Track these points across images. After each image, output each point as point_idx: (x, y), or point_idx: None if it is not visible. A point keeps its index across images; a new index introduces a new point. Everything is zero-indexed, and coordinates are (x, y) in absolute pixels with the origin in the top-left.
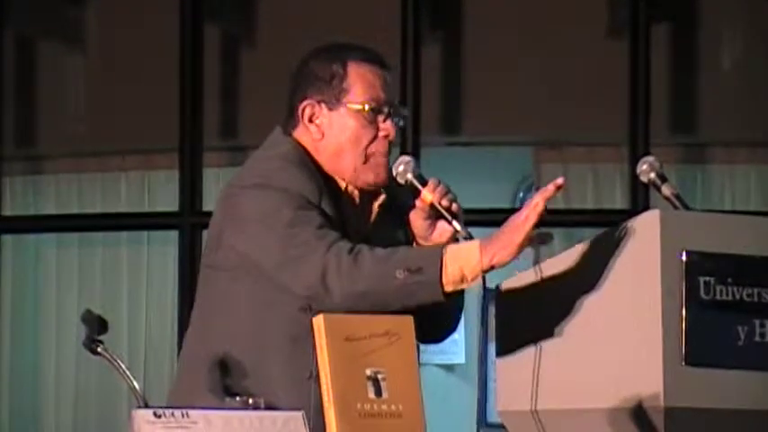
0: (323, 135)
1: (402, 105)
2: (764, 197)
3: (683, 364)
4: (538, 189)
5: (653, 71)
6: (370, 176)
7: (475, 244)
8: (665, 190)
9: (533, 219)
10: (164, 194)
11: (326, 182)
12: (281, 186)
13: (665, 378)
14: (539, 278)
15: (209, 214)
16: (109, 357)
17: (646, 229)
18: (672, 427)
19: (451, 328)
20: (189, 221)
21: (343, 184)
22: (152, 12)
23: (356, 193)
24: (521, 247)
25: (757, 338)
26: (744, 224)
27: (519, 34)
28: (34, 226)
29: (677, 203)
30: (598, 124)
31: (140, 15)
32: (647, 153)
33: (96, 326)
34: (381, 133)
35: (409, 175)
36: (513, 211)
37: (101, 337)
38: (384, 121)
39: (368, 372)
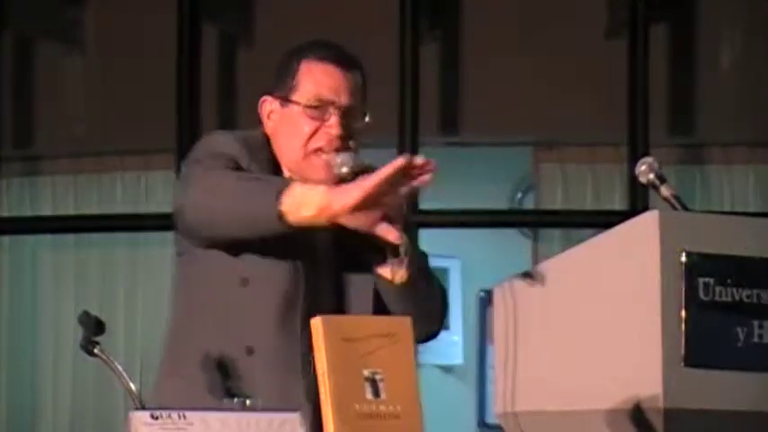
0: (275, 130)
1: (353, 111)
2: (763, 198)
3: (683, 365)
4: (536, 190)
5: (652, 71)
6: (310, 173)
7: (325, 187)
8: (664, 191)
9: (384, 174)
10: (161, 196)
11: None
12: (215, 152)
13: (665, 379)
14: (537, 279)
15: None
16: (105, 359)
17: (645, 230)
18: (671, 429)
19: (433, 331)
20: None
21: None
22: (149, 12)
23: None
24: (361, 199)
25: (756, 339)
26: (743, 225)
27: (518, 34)
28: (31, 227)
29: (676, 204)
30: (597, 124)
31: (138, 16)
32: (646, 154)
33: (93, 327)
34: (323, 129)
35: (345, 169)
36: (511, 212)
37: (97, 339)
38: (330, 118)
39: (366, 372)
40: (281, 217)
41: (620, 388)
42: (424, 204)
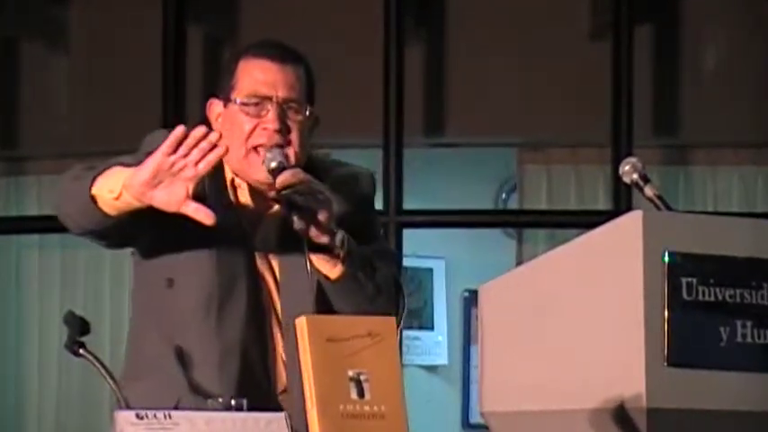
0: (222, 131)
1: (293, 104)
2: (746, 198)
3: (666, 364)
4: (520, 190)
5: (635, 73)
6: (251, 172)
7: (134, 168)
8: (648, 191)
9: (167, 144)
10: None
11: (217, 174)
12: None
13: (648, 379)
14: (521, 279)
15: None
16: (91, 359)
17: (628, 230)
18: (654, 428)
19: None
20: None
21: (230, 178)
22: (135, 12)
23: (244, 187)
24: (153, 171)
25: (739, 339)
26: (726, 225)
27: (502, 35)
28: (16, 227)
29: (660, 204)
30: (581, 126)
31: (124, 16)
32: (629, 154)
33: (78, 327)
34: (261, 125)
35: (273, 164)
36: (496, 212)
37: (83, 339)
38: (267, 114)
39: (350, 373)
40: (94, 200)
41: (603, 387)
42: (409, 204)
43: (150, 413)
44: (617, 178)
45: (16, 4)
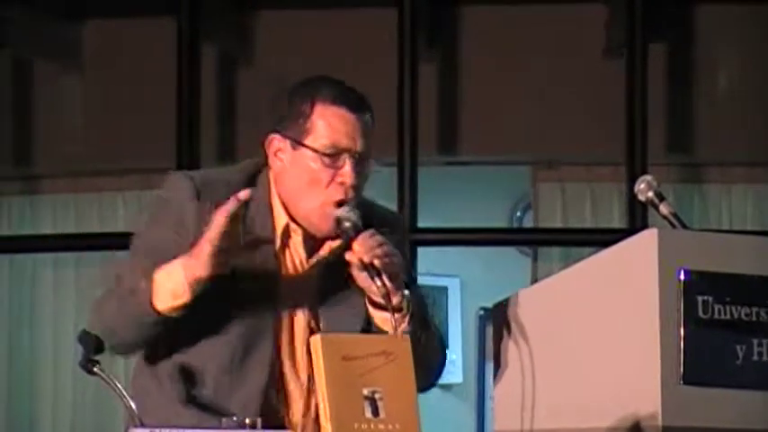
0: (284, 170)
1: (365, 156)
2: (761, 217)
3: (681, 383)
4: (535, 208)
5: (650, 91)
6: (319, 223)
7: (179, 262)
8: (663, 209)
9: (219, 225)
10: None
11: (267, 215)
12: (149, 244)
13: (663, 397)
14: (536, 298)
15: None
16: (105, 377)
17: (643, 248)
18: None
19: (428, 386)
20: None
21: (284, 223)
22: (149, 31)
23: (299, 234)
24: (212, 253)
25: (755, 358)
26: (741, 243)
27: (516, 53)
28: (31, 246)
29: (675, 222)
30: (596, 143)
31: (138, 36)
32: (644, 172)
33: (92, 346)
34: (338, 179)
35: (346, 224)
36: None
37: (97, 357)
38: (343, 167)
39: (365, 391)
40: (161, 314)
41: (618, 406)
42: (423, 222)
43: (165, 431)
44: (632, 196)
45: (30, 24)
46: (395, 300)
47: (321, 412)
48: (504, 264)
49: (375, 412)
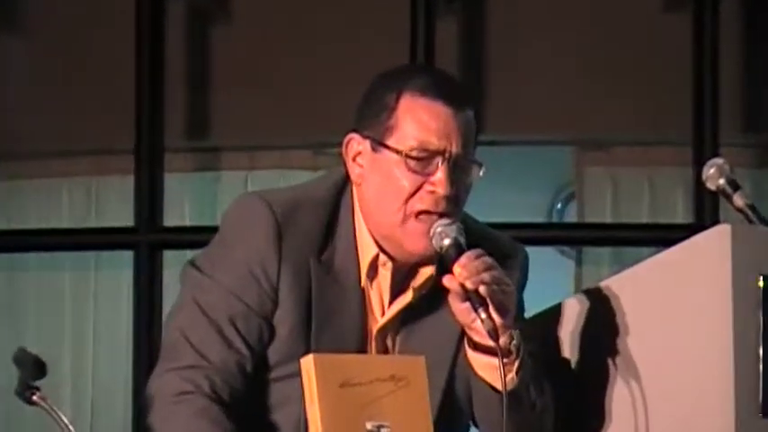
0: (363, 178)
1: (465, 160)
2: None
3: (761, 415)
4: (579, 199)
5: (722, 55)
6: (407, 242)
7: None
8: (738, 200)
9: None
10: (116, 206)
11: (348, 242)
12: (241, 240)
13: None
14: (583, 307)
15: (170, 230)
16: (47, 407)
17: (714, 249)
18: None
19: None
20: (146, 239)
21: (373, 254)
22: None
23: (389, 267)
24: None
25: None
26: None
27: (554, 11)
28: None
29: (752, 217)
30: (654, 120)
31: None
32: (715, 155)
33: (32, 368)
34: (427, 187)
35: (446, 241)
36: (549, 226)
37: (37, 383)
38: (434, 173)
39: (369, 425)
40: None
41: None
42: None
43: None
44: (699, 184)
45: None
46: (502, 339)
47: None
48: (543, 267)
49: None
